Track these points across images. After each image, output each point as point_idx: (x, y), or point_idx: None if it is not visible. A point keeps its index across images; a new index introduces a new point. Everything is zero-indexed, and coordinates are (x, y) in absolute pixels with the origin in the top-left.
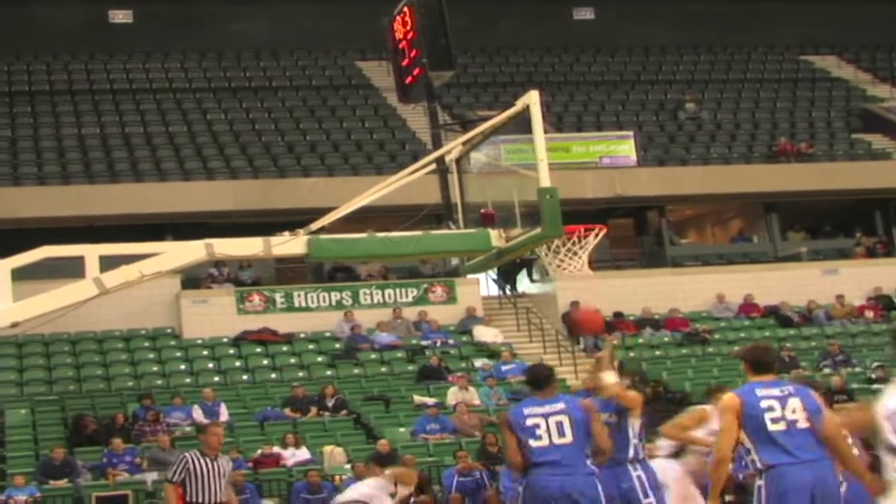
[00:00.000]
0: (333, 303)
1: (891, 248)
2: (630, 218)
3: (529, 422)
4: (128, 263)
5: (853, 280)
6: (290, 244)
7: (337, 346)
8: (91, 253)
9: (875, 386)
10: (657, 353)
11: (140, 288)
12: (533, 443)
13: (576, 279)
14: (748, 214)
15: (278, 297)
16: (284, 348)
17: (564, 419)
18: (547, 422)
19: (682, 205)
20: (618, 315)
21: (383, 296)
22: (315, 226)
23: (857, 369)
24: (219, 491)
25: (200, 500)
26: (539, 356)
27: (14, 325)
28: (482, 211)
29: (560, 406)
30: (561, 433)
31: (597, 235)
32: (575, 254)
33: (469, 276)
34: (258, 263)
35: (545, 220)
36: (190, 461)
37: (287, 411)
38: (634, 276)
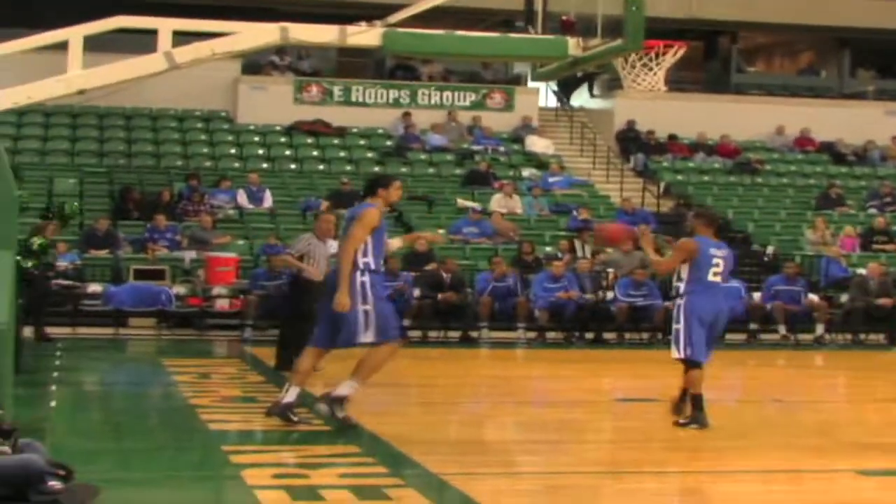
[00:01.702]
0: (391, 100)
1: None
2: (700, 41)
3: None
4: (200, 41)
5: None
6: (365, 35)
7: (388, 143)
8: (165, 26)
9: None
10: (706, 178)
11: (200, 69)
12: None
13: (635, 98)
14: (820, 48)
15: (336, 90)
16: (336, 141)
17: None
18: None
19: (754, 31)
20: (672, 137)
21: (441, 98)
22: (393, 19)
23: None
24: (324, 267)
25: (309, 275)
26: (588, 171)
27: (81, 92)
28: (563, 18)
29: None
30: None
31: (675, 53)
32: (651, 70)
33: (529, 86)
34: (318, 54)
35: (628, 31)
36: (308, 241)
37: (328, 205)
38: (694, 100)
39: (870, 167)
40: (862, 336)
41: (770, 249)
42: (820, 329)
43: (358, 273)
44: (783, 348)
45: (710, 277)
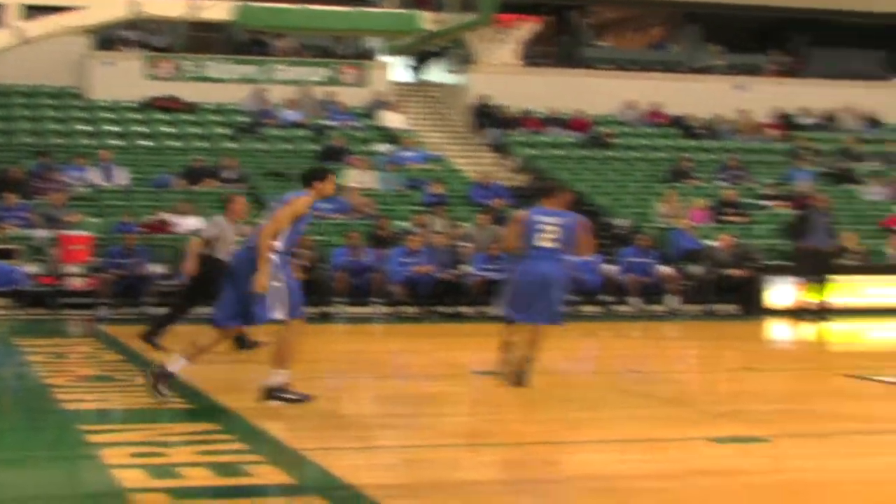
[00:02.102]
0: (243, 76)
1: (803, 69)
2: (552, 16)
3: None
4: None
5: (761, 97)
6: (217, 9)
7: (242, 119)
8: (13, 0)
9: (765, 202)
10: (558, 152)
11: (49, 44)
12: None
13: (488, 73)
14: (670, 23)
15: (189, 65)
16: (189, 117)
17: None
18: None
19: (605, 6)
20: (525, 112)
21: (294, 73)
22: None
23: (751, 184)
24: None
25: (219, 256)
26: (442, 146)
27: None
28: None
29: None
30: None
31: (528, 28)
32: (504, 44)
33: (381, 60)
34: (170, 29)
35: (480, 5)
36: (219, 224)
37: (182, 182)
38: (547, 75)
39: (718, 140)
40: (713, 307)
41: (622, 222)
42: (672, 300)
43: (269, 254)
44: (637, 320)
45: (536, 243)
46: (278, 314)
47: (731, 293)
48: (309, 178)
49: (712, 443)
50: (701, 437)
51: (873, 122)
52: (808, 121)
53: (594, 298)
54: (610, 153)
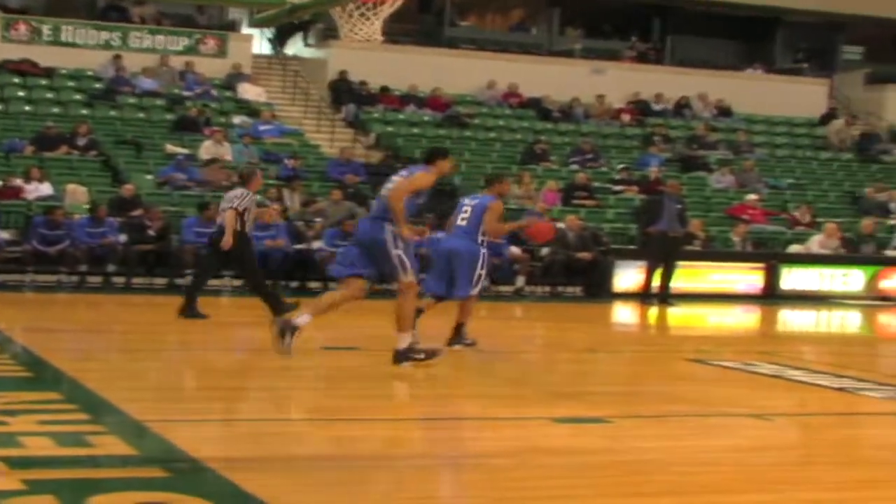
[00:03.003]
0: (102, 42)
1: (661, 57)
2: None
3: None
4: None
5: (618, 82)
6: None
7: (98, 85)
8: None
9: (617, 186)
10: (416, 130)
11: None
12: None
13: (349, 48)
14: (531, 5)
15: (45, 29)
16: (43, 82)
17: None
18: None
19: None
20: (384, 89)
21: (153, 41)
22: None
23: (604, 169)
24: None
25: (245, 229)
26: (300, 120)
27: None
28: None
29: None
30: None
31: (393, 4)
32: (368, 20)
33: (243, 32)
34: None
35: None
36: (250, 195)
37: (33, 149)
38: (407, 53)
39: (574, 124)
40: (560, 288)
41: None
42: (520, 281)
43: (389, 224)
44: (484, 300)
45: (458, 222)
46: (408, 277)
47: (578, 275)
48: (432, 157)
49: (552, 422)
50: (541, 416)
51: (724, 111)
52: (663, 107)
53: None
54: (467, 133)
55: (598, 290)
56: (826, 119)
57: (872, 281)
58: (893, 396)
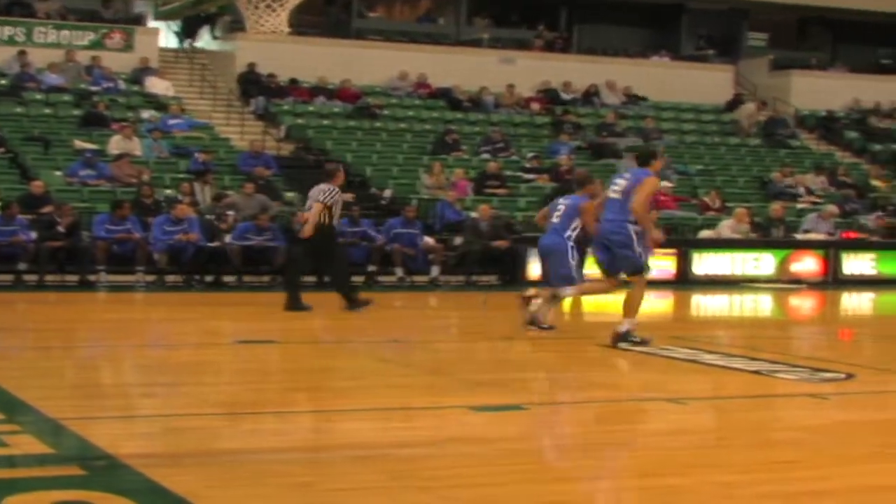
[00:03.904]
0: (6, 37)
1: (568, 45)
2: None
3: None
4: None
5: (527, 71)
6: None
7: (3, 82)
8: None
9: (528, 175)
10: (325, 122)
11: None
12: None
13: (257, 41)
14: None
15: None
16: None
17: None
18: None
19: None
20: (293, 81)
21: (58, 36)
22: None
23: (514, 157)
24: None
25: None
26: (209, 114)
27: None
28: None
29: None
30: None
31: None
32: (274, 11)
33: (150, 26)
34: None
35: None
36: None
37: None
38: (316, 44)
39: (484, 113)
40: (475, 277)
41: (387, 193)
42: (435, 271)
43: (632, 225)
44: (400, 290)
45: (552, 220)
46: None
47: (492, 264)
48: (648, 158)
49: (469, 411)
50: (458, 405)
51: (633, 98)
52: (572, 96)
53: (360, 269)
54: (378, 124)
55: (513, 278)
56: (733, 105)
57: (783, 264)
58: (806, 378)
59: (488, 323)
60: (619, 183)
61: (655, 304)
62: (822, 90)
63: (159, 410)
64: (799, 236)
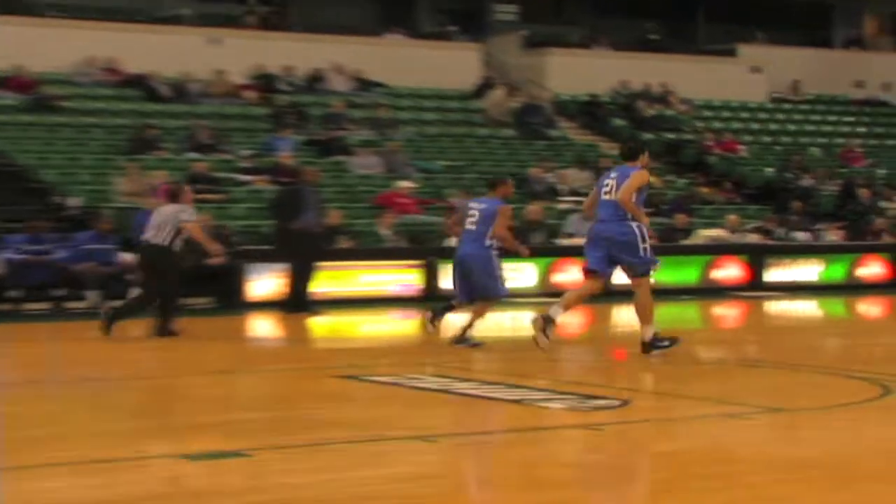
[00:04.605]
0: None
1: (287, 22)
2: None
3: None
4: None
5: (238, 53)
6: None
7: None
8: None
9: (244, 176)
10: None
11: None
12: None
13: None
14: None
15: None
16: None
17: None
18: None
19: None
20: None
21: None
22: None
23: (228, 156)
24: None
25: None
26: None
27: None
28: None
29: None
30: None
31: None
32: None
33: None
34: None
35: None
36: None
37: None
38: None
39: (188, 105)
40: (185, 300)
41: (75, 201)
42: (136, 292)
43: (633, 222)
44: (94, 318)
45: (466, 227)
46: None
47: (205, 283)
48: (634, 153)
49: (181, 460)
50: (169, 454)
51: (365, 84)
52: (293, 82)
53: (42, 293)
54: (60, 119)
55: (230, 299)
56: (482, 90)
57: (545, 275)
58: (576, 406)
59: (204, 355)
60: (608, 183)
61: (399, 326)
62: (583, 71)
63: None
64: (562, 242)
